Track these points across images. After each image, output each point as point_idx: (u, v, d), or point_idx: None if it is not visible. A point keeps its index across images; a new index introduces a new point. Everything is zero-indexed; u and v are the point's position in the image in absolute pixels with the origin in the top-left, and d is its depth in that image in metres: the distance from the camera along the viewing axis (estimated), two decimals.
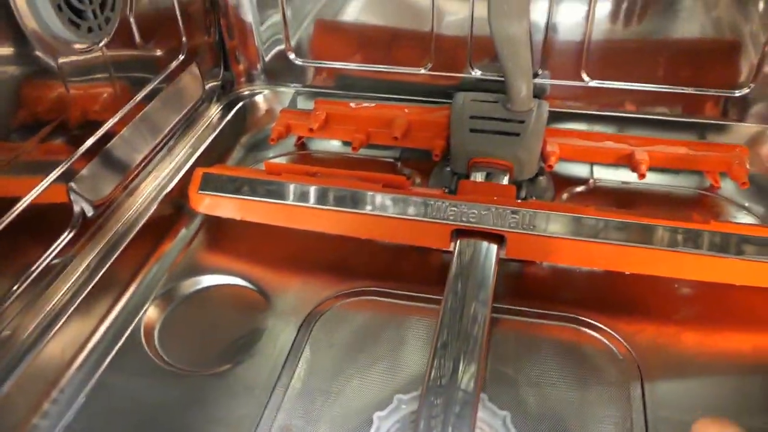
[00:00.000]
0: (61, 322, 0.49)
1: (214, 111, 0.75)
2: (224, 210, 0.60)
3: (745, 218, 0.62)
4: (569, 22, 0.65)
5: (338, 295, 0.55)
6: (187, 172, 0.65)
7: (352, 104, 0.70)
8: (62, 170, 0.50)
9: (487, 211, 0.53)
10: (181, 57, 0.66)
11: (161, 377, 0.49)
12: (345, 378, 0.48)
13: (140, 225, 0.58)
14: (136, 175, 0.61)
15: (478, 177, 0.62)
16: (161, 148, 0.64)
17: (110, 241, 0.56)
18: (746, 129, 0.68)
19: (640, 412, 0.45)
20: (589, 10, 0.63)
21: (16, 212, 0.46)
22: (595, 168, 0.69)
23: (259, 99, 0.78)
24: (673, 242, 0.50)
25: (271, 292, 0.56)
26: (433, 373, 0.43)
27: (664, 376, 0.48)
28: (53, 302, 0.50)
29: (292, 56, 0.74)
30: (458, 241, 0.53)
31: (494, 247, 0.53)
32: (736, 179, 0.63)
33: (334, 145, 0.75)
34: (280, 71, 0.76)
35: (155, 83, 0.62)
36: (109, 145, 0.56)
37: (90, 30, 0.49)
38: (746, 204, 0.64)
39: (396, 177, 0.58)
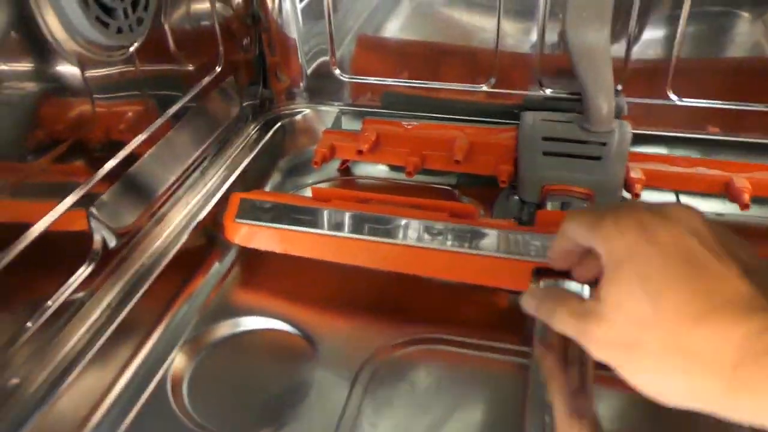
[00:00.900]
0: (76, 372, 0.42)
1: (251, 131, 0.68)
2: (264, 241, 0.53)
3: None
4: (654, 34, 0.57)
5: (396, 344, 0.47)
6: (221, 198, 0.58)
7: (406, 124, 0.63)
8: (81, 194, 0.43)
9: None
10: (218, 70, 0.60)
11: None
12: None
13: (168, 258, 0.51)
14: (165, 201, 0.54)
15: (552, 206, 0.54)
16: (193, 171, 0.58)
17: (134, 276, 0.49)
18: None
19: None
20: (678, 22, 0.56)
21: (28, 241, 0.39)
22: (682, 197, 0.60)
23: (299, 118, 0.71)
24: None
25: (318, 339, 0.48)
26: None
27: None
28: (68, 347, 0.43)
29: (337, 71, 0.68)
30: (540, 282, 0.45)
31: (586, 289, 0.44)
32: None
33: (381, 170, 0.67)
34: (323, 88, 0.70)
35: (188, 99, 0.55)
36: (134, 167, 0.49)
37: (120, 30, 0.42)
38: None
39: (463, 205, 0.51)
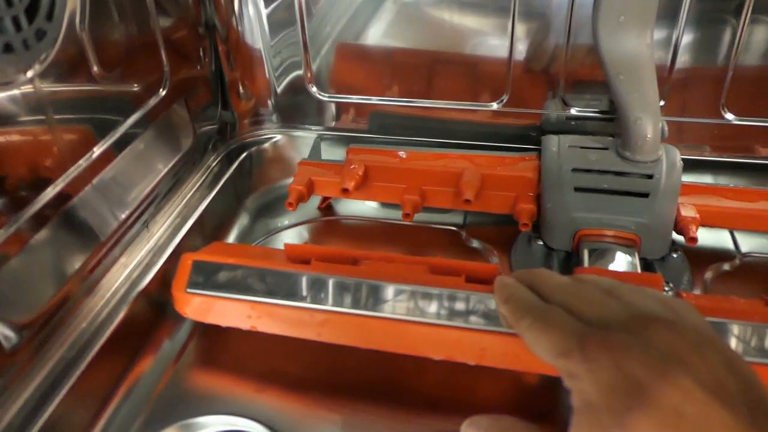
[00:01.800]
0: None
1: (211, 164, 0.56)
2: (224, 316, 0.41)
3: None
4: (704, 40, 0.47)
5: None
6: (172, 253, 0.46)
7: (400, 153, 0.51)
8: None
9: None
10: (162, 93, 0.47)
11: None
12: None
13: (102, 340, 0.39)
14: (97, 264, 0.42)
15: (590, 257, 0.43)
16: (135, 221, 0.45)
17: (58, 365, 0.37)
18: None
19: None
20: (738, 29, 0.46)
21: None
22: (740, 237, 0.50)
23: (269, 147, 0.59)
24: None
25: None
26: None
27: None
28: None
29: (313, 89, 0.56)
30: None
31: None
32: None
33: (370, 207, 0.56)
34: (297, 109, 0.58)
35: (123, 129, 0.43)
36: (49, 223, 0.37)
37: (9, 49, 0.30)
38: None
39: (484, 266, 0.39)
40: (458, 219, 0.53)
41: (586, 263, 0.43)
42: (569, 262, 0.46)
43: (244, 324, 0.40)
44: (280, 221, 0.55)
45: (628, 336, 0.23)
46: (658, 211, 0.44)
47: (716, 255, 0.49)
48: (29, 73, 0.32)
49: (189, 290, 0.40)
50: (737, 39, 0.46)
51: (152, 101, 0.47)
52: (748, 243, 0.50)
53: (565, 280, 0.30)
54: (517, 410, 0.38)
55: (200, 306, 0.41)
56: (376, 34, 0.53)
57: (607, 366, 0.22)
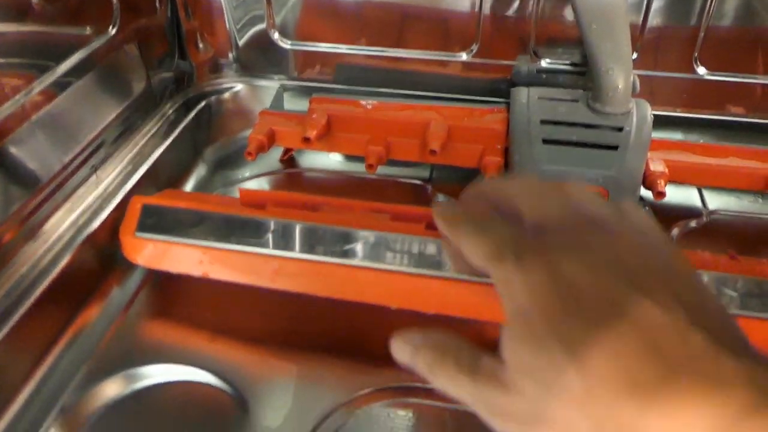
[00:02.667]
0: None
1: (167, 112, 0.53)
2: (176, 263, 0.39)
3: None
4: None
5: (357, 397, 0.35)
6: (121, 202, 0.43)
7: (365, 103, 0.49)
8: None
9: None
10: (112, 32, 0.45)
11: None
12: None
13: (43, 285, 0.37)
14: (39, 206, 0.39)
15: None
16: (80, 165, 0.43)
17: None
18: None
19: None
20: None
21: None
22: (708, 194, 0.49)
23: (229, 96, 0.57)
24: None
25: (252, 394, 0.35)
26: None
27: None
28: None
29: (276, 36, 0.53)
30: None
31: None
32: None
33: (334, 160, 0.54)
34: (258, 58, 0.55)
35: (66, 68, 0.41)
36: None
37: None
38: None
39: None
40: (425, 173, 0.52)
41: None
42: None
43: (196, 270, 0.38)
44: (240, 173, 0.53)
45: (565, 239, 0.22)
46: (626, 165, 0.43)
47: (684, 212, 0.48)
48: None
49: (137, 234, 0.38)
50: None
51: (99, 41, 0.44)
52: (715, 201, 0.49)
53: (508, 180, 0.28)
54: None
55: (148, 251, 0.39)
56: None
57: (541, 271, 0.21)
